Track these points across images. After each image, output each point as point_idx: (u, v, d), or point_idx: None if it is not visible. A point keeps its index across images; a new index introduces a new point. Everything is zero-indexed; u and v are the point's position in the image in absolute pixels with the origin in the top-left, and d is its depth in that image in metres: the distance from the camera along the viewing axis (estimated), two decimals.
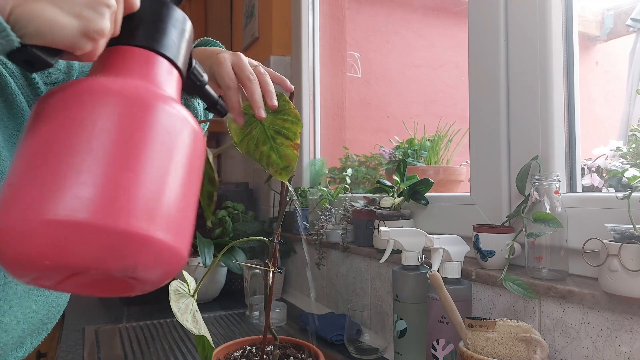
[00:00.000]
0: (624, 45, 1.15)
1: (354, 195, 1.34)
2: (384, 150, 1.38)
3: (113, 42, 0.40)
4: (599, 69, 1.18)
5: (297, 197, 1.55)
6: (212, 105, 0.55)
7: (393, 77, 1.89)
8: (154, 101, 0.35)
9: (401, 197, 1.08)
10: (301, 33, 1.74)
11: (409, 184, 1.08)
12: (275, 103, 0.60)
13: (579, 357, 0.67)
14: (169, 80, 0.41)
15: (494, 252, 0.81)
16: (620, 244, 0.59)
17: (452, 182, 1.24)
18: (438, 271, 0.75)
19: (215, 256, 1.41)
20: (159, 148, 0.34)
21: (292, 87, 0.66)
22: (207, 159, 0.55)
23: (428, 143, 1.31)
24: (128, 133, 0.33)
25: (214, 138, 2.54)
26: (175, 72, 0.42)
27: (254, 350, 0.73)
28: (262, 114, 0.59)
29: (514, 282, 0.73)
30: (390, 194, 1.11)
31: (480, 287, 0.83)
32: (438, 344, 0.76)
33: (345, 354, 0.98)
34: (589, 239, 0.64)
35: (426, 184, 1.04)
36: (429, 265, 0.81)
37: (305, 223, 1.49)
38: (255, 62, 0.65)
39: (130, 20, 0.41)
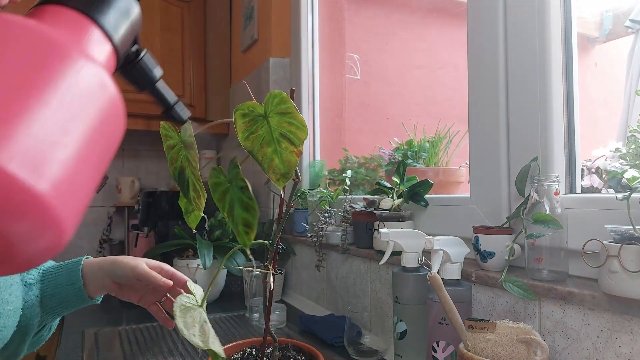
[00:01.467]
0: (622, 47, 1.16)
1: (353, 196, 1.34)
2: (383, 152, 1.38)
3: (43, 1, 0.35)
4: (598, 70, 1.18)
5: (297, 198, 1.55)
6: (166, 107, 0.48)
7: (392, 79, 1.89)
8: (73, 52, 0.30)
9: (401, 199, 1.08)
10: (300, 35, 1.74)
11: (408, 185, 1.08)
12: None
13: (580, 358, 0.67)
14: (98, 50, 0.35)
15: (494, 253, 0.81)
16: (620, 245, 0.59)
17: (452, 183, 1.23)
18: (438, 273, 0.75)
19: (215, 258, 1.41)
20: (63, 98, 0.28)
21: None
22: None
23: (427, 144, 1.31)
24: (33, 70, 0.27)
25: (214, 140, 2.53)
26: (108, 47, 0.36)
27: (254, 353, 0.73)
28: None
29: (514, 284, 0.73)
30: (390, 196, 1.11)
31: (480, 288, 0.83)
32: (438, 346, 0.76)
33: (345, 356, 0.98)
34: (589, 240, 0.64)
35: (426, 186, 1.04)
36: (429, 266, 0.81)
37: (304, 225, 1.49)
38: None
39: None
